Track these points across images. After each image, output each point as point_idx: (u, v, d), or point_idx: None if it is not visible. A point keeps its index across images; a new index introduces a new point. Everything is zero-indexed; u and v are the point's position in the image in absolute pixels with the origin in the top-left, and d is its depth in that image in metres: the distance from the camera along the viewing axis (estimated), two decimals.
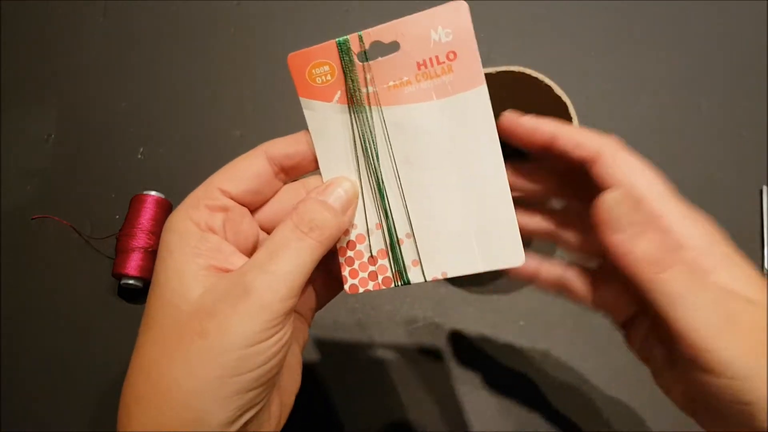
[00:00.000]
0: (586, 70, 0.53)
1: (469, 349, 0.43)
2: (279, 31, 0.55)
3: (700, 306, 0.22)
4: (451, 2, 0.23)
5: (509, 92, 0.42)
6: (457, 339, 0.44)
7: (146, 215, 0.45)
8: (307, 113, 0.25)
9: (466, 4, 0.23)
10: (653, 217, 0.24)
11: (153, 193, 0.46)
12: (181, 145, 0.51)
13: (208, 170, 0.50)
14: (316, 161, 0.26)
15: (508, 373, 0.43)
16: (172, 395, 0.22)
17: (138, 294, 0.45)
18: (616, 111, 0.51)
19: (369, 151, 0.25)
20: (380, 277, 0.26)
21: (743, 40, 0.54)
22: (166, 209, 0.46)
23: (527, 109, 0.43)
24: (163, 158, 0.50)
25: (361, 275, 0.26)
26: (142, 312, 0.46)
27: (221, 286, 0.23)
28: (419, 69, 0.24)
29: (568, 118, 0.38)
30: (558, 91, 0.39)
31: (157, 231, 0.45)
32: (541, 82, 0.39)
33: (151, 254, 0.44)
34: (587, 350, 0.43)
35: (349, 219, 0.26)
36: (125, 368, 0.44)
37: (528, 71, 0.39)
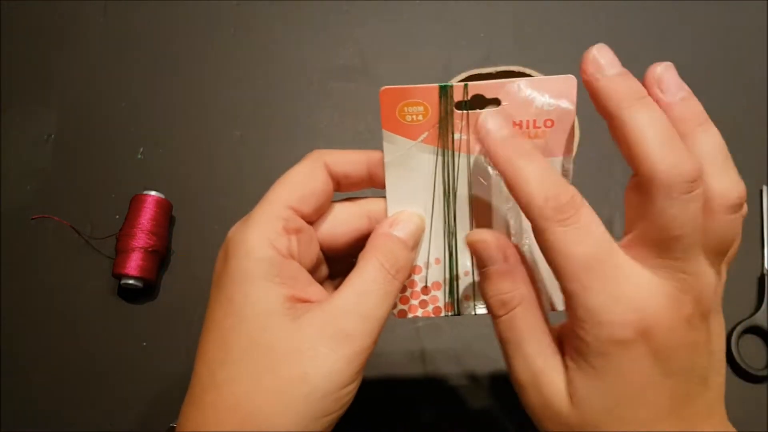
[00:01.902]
0: None
1: (469, 349, 0.43)
2: (279, 31, 0.55)
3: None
4: (562, 76, 0.24)
5: None
6: (458, 339, 0.44)
7: (146, 215, 0.45)
8: (386, 146, 0.25)
9: (575, 80, 0.24)
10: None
11: (153, 193, 0.46)
12: (181, 145, 0.51)
13: (208, 170, 0.50)
14: (369, 183, 0.26)
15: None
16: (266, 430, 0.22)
17: (138, 294, 0.45)
18: None
19: (448, 192, 0.26)
20: (431, 306, 0.27)
21: (743, 40, 0.54)
22: (166, 209, 0.46)
23: None
24: (163, 158, 0.50)
25: (411, 302, 0.27)
26: (142, 312, 0.46)
27: (315, 327, 0.22)
28: (514, 127, 0.25)
29: None
30: None
31: (157, 231, 0.45)
32: None
33: (152, 254, 0.44)
34: None
35: (416, 254, 0.27)
36: (125, 368, 0.44)
37: (528, 71, 0.39)
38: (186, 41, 0.55)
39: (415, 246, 0.26)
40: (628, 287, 0.21)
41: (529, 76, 0.39)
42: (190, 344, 0.44)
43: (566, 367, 0.23)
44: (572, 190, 0.22)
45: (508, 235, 0.26)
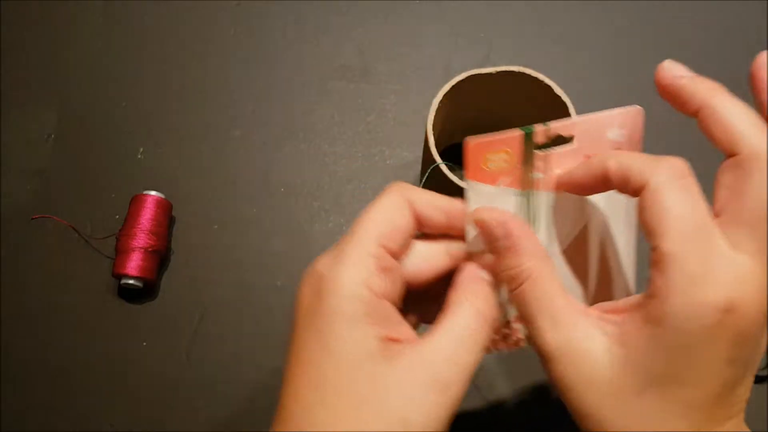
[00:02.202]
0: (585, 70, 0.53)
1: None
2: (279, 31, 0.55)
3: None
4: (631, 108, 0.25)
5: (509, 92, 0.42)
6: None
7: (146, 215, 0.45)
8: (470, 195, 0.25)
9: (642, 110, 0.25)
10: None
11: (153, 193, 0.46)
12: (181, 146, 0.51)
13: (208, 170, 0.50)
14: (446, 230, 0.27)
15: (507, 373, 0.43)
16: None
17: (138, 294, 0.45)
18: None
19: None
20: (512, 339, 0.28)
21: (743, 40, 0.54)
22: (166, 209, 0.46)
23: (527, 109, 0.43)
24: (163, 158, 0.50)
25: (494, 337, 0.28)
26: (142, 312, 0.46)
27: (414, 372, 0.22)
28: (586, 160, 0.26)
29: (567, 118, 0.38)
30: (558, 90, 0.39)
31: (157, 231, 0.45)
32: (541, 81, 0.39)
33: (151, 254, 0.44)
34: None
35: None
36: (125, 367, 0.44)
37: (528, 71, 0.39)
38: (186, 41, 0.55)
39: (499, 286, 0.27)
40: (725, 267, 0.21)
41: (529, 76, 0.39)
42: (190, 344, 0.44)
43: (607, 335, 0.22)
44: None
45: (584, 259, 0.27)
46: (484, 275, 0.26)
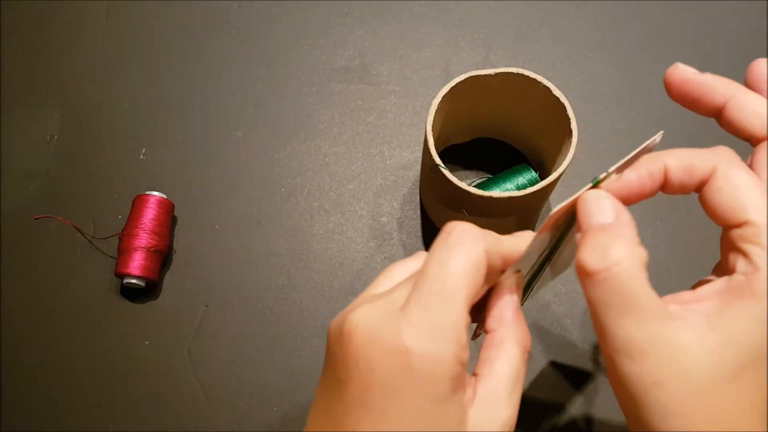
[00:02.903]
0: (584, 71, 0.53)
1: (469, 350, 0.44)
2: (280, 32, 0.55)
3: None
4: (657, 135, 0.25)
5: (508, 94, 0.42)
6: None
7: (148, 215, 0.45)
8: (534, 242, 0.25)
9: (662, 135, 0.25)
10: None
11: (155, 193, 0.46)
12: (183, 146, 0.51)
13: (210, 171, 0.50)
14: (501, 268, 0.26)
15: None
16: None
17: (140, 293, 0.46)
18: (614, 111, 0.51)
19: (552, 251, 0.27)
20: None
21: (743, 40, 0.54)
22: (168, 209, 0.47)
23: (526, 110, 0.44)
24: (165, 159, 0.50)
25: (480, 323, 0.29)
26: (144, 311, 0.46)
27: (479, 419, 0.23)
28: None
29: (566, 119, 0.39)
30: (556, 92, 0.39)
31: (159, 231, 0.45)
32: (540, 83, 0.39)
33: (154, 254, 0.45)
34: (586, 350, 0.44)
35: None
36: (127, 366, 0.44)
37: (526, 72, 0.39)
38: (188, 42, 0.55)
39: None
40: None
41: (527, 77, 0.40)
42: (191, 343, 0.44)
43: (697, 324, 0.22)
44: None
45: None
46: (516, 298, 0.26)
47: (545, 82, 0.39)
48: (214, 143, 0.51)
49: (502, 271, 0.25)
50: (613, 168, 0.24)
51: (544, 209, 0.47)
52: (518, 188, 0.45)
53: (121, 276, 0.44)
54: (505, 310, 0.25)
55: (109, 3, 0.57)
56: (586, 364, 0.43)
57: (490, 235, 0.25)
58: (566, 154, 0.38)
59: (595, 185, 0.24)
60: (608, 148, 0.50)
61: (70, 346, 0.45)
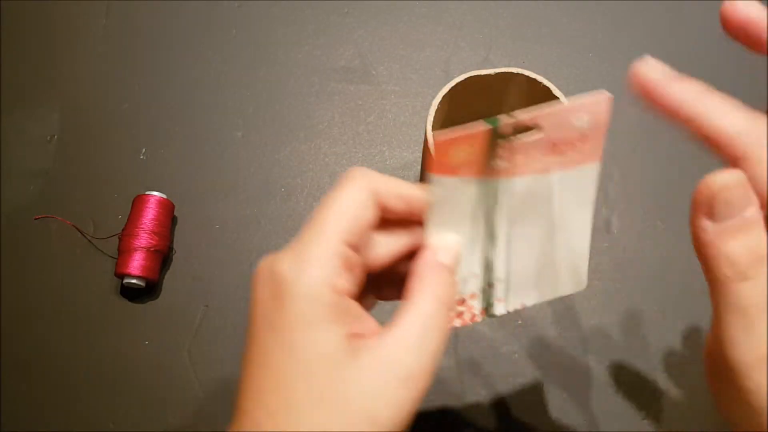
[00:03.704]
0: (584, 71, 0.53)
1: (468, 349, 0.44)
2: (280, 32, 0.55)
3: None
4: (599, 96, 0.25)
5: (508, 94, 0.42)
6: (456, 339, 0.44)
7: (148, 215, 0.45)
8: (434, 187, 0.25)
9: (609, 97, 0.25)
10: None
11: (155, 193, 0.46)
12: (183, 146, 0.51)
13: (210, 171, 0.50)
14: (407, 217, 0.26)
15: (506, 372, 0.43)
16: None
17: (140, 293, 0.46)
18: (615, 111, 0.51)
19: (488, 215, 0.27)
20: (467, 315, 0.28)
21: None
22: (168, 209, 0.47)
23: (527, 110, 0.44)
24: (165, 159, 0.50)
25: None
26: (144, 311, 0.46)
27: (379, 368, 0.22)
28: (552, 148, 0.26)
29: None
30: (556, 92, 0.39)
31: (159, 231, 0.45)
32: (540, 83, 0.39)
33: (154, 254, 0.45)
34: (586, 350, 0.44)
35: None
36: (127, 367, 0.44)
37: (526, 72, 0.39)
38: (188, 42, 0.55)
39: (455, 271, 0.26)
40: None
41: (527, 77, 0.40)
42: (191, 343, 0.44)
43: None
44: None
45: (541, 236, 0.27)
46: (443, 259, 0.25)
47: (545, 82, 0.39)
48: (214, 143, 0.51)
49: (420, 224, 0.26)
50: (520, 115, 0.24)
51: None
52: None
53: (121, 276, 0.44)
54: (422, 266, 0.25)
55: (110, 3, 0.57)
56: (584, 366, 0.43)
57: (386, 177, 0.25)
58: None
59: (495, 129, 0.24)
60: (609, 148, 0.50)
61: (70, 346, 0.44)
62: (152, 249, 0.44)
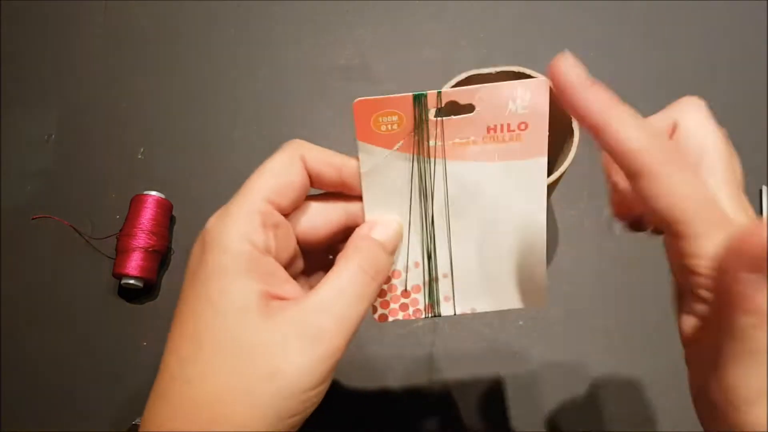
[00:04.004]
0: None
1: (468, 349, 0.43)
2: (279, 32, 0.55)
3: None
4: (535, 79, 0.24)
5: None
6: (456, 339, 0.44)
7: (146, 215, 0.45)
8: (362, 156, 0.25)
9: (547, 82, 0.24)
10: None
11: (153, 193, 0.46)
12: (182, 146, 0.51)
13: (208, 170, 0.50)
14: (341, 188, 0.26)
15: (506, 373, 0.43)
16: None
17: (138, 294, 0.45)
18: None
19: (424, 198, 0.26)
20: (411, 309, 0.28)
21: (743, 40, 0.54)
22: (166, 209, 0.46)
23: None
24: (163, 158, 0.50)
25: (392, 306, 0.28)
26: (142, 311, 0.46)
27: (288, 324, 0.22)
28: (488, 132, 0.25)
29: (567, 118, 0.38)
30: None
31: (157, 231, 0.45)
32: None
33: (152, 254, 0.44)
34: (586, 350, 0.43)
35: (395, 259, 0.27)
36: (126, 367, 0.44)
37: (527, 71, 0.39)
38: (186, 41, 0.55)
39: (394, 251, 0.26)
40: None
41: (529, 76, 0.39)
42: None
43: None
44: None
45: (485, 233, 0.27)
46: (377, 234, 0.25)
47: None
48: (213, 143, 0.51)
49: (359, 200, 0.26)
50: (447, 89, 0.24)
51: (546, 209, 0.46)
52: None
53: (119, 276, 0.44)
54: (352, 237, 0.25)
55: (107, 2, 0.56)
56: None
57: (318, 147, 0.26)
58: (568, 154, 0.38)
59: (418, 98, 0.24)
60: None
61: (68, 346, 0.44)
62: (150, 249, 0.44)
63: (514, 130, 0.25)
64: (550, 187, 0.38)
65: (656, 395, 0.42)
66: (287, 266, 0.26)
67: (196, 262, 0.24)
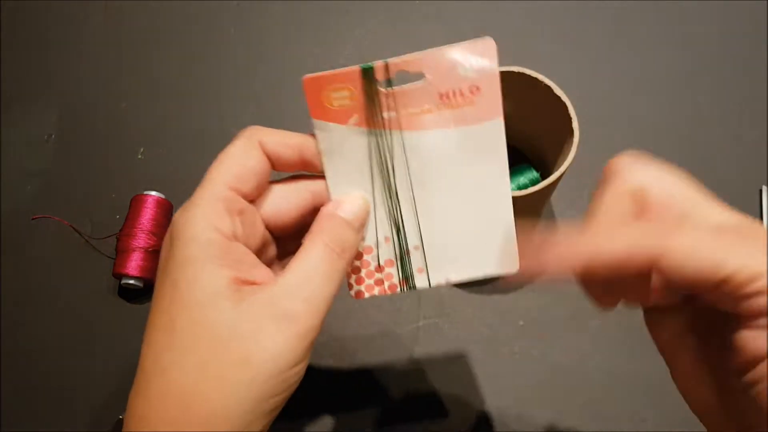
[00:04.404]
0: (586, 70, 0.53)
1: (469, 350, 0.43)
2: (280, 31, 0.55)
3: None
4: (480, 39, 0.24)
5: (509, 93, 0.42)
6: (457, 339, 0.44)
7: (146, 215, 0.45)
8: (319, 134, 0.25)
9: (494, 43, 0.24)
10: None
11: (153, 193, 0.46)
12: (181, 146, 0.51)
13: (207, 170, 0.50)
14: (302, 167, 0.27)
15: (507, 373, 0.43)
16: (215, 421, 0.22)
17: (138, 294, 0.45)
18: (615, 111, 0.51)
19: (386, 171, 0.26)
20: (386, 284, 0.28)
21: (743, 40, 0.54)
22: (166, 209, 0.46)
23: (527, 109, 0.43)
24: (163, 158, 0.50)
25: (367, 282, 0.28)
26: (142, 311, 0.46)
27: (259, 308, 0.22)
28: (441, 99, 0.25)
29: (567, 118, 0.38)
30: (557, 91, 0.39)
31: (157, 231, 0.45)
32: (541, 82, 0.39)
33: (152, 254, 0.44)
34: (586, 350, 0.43)
35: (362, 236, 0.27)
36: (126, 367, 0.44)
37: (528, 71, 0.39)
38: (186, 41, 0.55)
39: (362, 227, 0.26)
40: None
41: (528, 76, 0.39)
42: None
43: None
44: None
45: (451, 201, 0.27)
46: (342, 211, 0.25)
47: (546, 81, 0.39)
48: (213, 143, 0.50)
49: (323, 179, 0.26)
50: (393, 59, 0.24)
51: (546, 209, 0.46)
52: (520, 188, 0.44)
53: (119, 276, 0.44)
54: (318, 216, 0.25)
55: (107, 2, 0.56)
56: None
57: (274, 130, 0.26)
58: (568, 154, 0.38)
59: (367, 70, 0.24)
60: (610, 147, 0.50)
61: (68, 346, 0.44)
62: (150, 249, 0.44)
63: (466, 95, 0.25)
64: (550, 187, 0.38)
65: (656, 395, 0.42)
66: (258, 253, 0.26)
67: (166, 255, 0.24)
